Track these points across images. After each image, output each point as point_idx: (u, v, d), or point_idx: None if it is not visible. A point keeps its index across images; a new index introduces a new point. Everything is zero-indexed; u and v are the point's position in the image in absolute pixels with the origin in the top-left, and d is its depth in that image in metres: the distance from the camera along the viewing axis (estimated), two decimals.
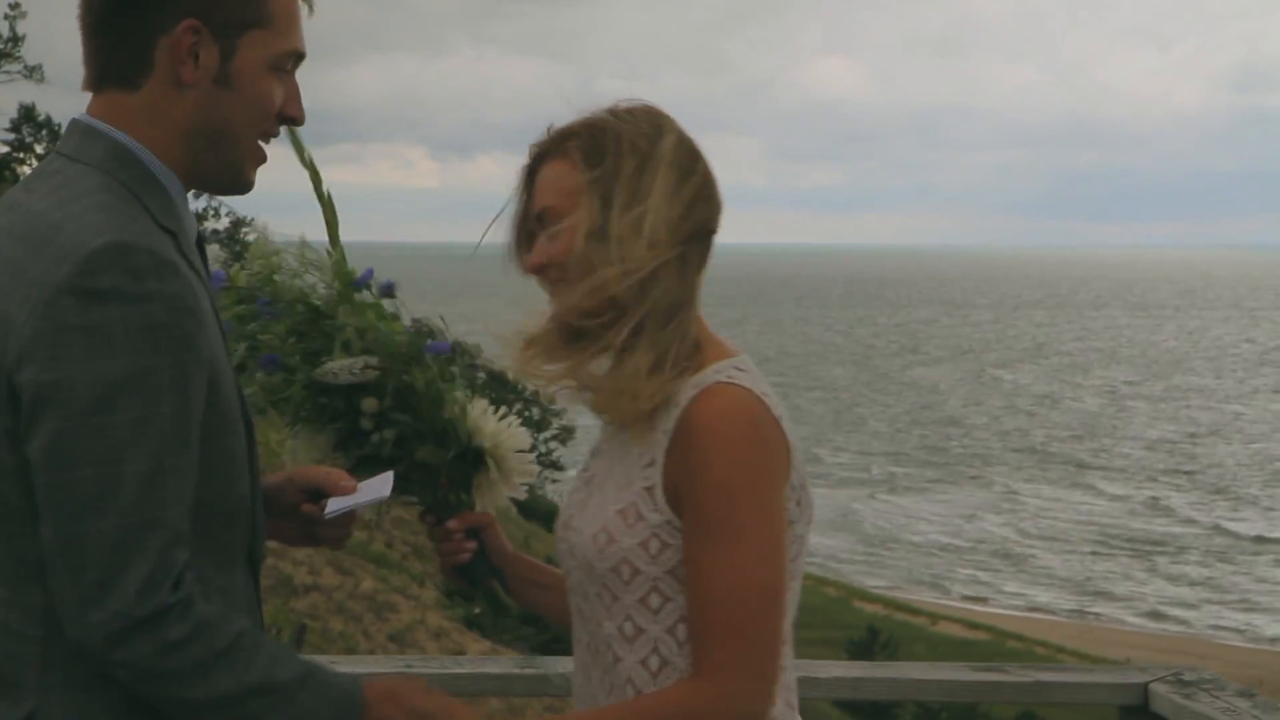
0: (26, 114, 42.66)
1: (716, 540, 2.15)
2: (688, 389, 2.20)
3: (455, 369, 2.53)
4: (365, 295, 2.47)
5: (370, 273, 2.47)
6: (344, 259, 2.49)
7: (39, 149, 42.77)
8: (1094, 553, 43.39)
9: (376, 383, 2.41)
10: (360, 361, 2.39)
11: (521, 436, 2.54)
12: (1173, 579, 40.50)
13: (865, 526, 46.78)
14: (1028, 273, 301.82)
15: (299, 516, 2.45)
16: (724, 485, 2.15)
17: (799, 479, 2.24)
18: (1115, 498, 50.99)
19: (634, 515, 2.22)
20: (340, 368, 2.38)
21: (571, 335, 2.26)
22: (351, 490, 2.41)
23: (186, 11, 2.05)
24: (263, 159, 2.18)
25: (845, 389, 77.67)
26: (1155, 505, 49.74)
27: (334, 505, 2.39)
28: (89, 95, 2.13)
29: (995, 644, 32.24)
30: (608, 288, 2.19)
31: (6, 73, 44.84)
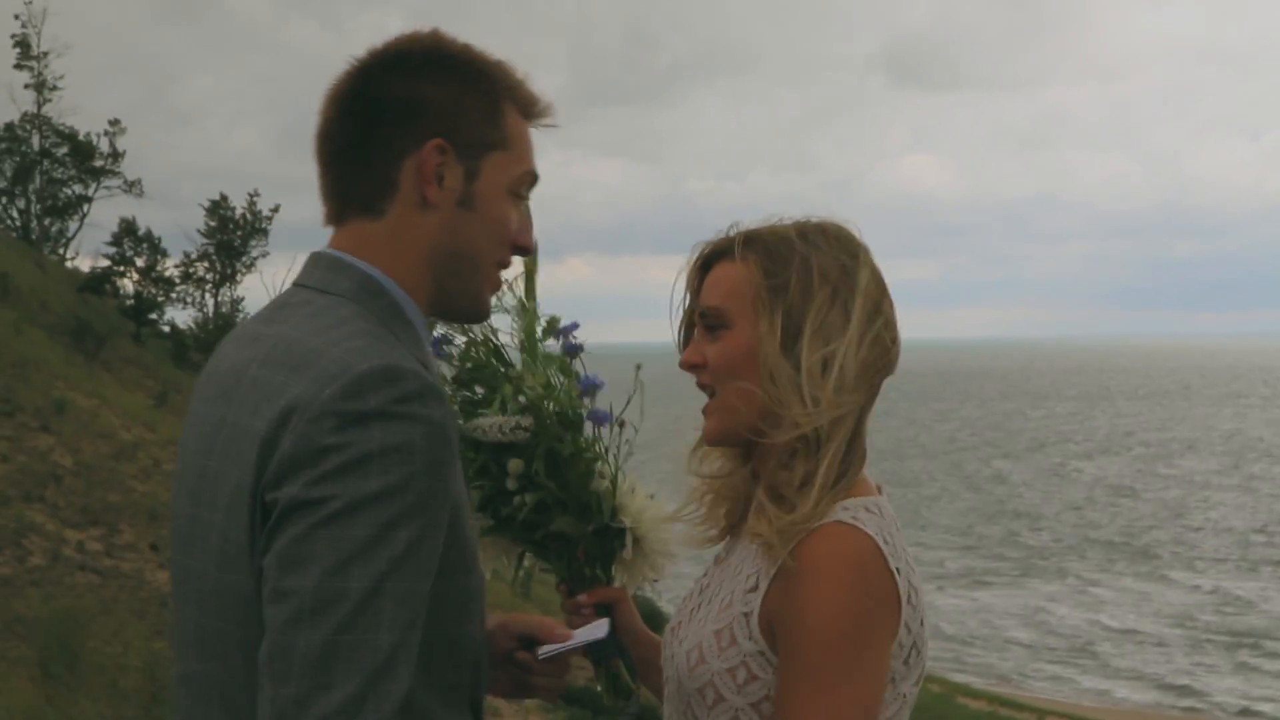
0: (127, 228, 43.30)
1: (810, 687, 2.07)
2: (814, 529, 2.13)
3: (606, 444, 2.46)
4: (552, 346, 2.45)
5: (575, 325, 2.45)
6: (536, 307, 2.45)
7: (139, 262, 43.87)
8: (1172, 645, 42.90)
9: (527, 445, 2.37)
10: (513, 421, 2.35)
11: (663, 519, 2.48)
12: (1266, 673, 39.97)
13: (942, 624, 46.61)
14: (1118, 363, 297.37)
15: (512, 665, 2.40)
16: (823, 631, 2.07)
17: (911, 638, 2.16)
18: (1192, 589, 50.49)
19: (728, 639, 2.17)
20: (491, 425, 2.34)
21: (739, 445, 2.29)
22: (567, 638, 2.36)
23: (434, 132, 2.06)
24: (499, 287, 2.18)
25: (924, 484, 77.77)
26: (1231, 597, 49.14)
27: (546, 650, 2.34)
28: (328, 230, 2.13)
29: None
30: (797, 427, 2.15)
31: (107, 188, 46.46)
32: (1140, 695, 38.32)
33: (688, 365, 2.27)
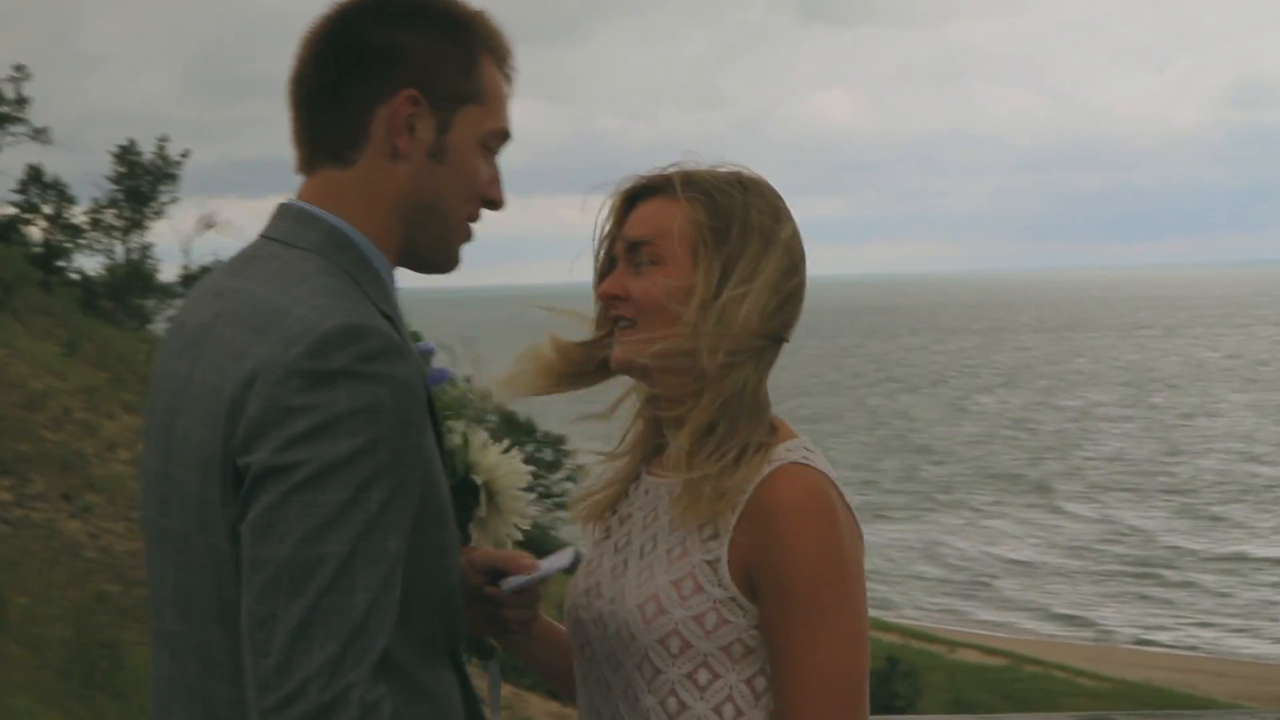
0: (34, 175, 43.10)
1: (812, 627, 2.11)
2: (766, 465, 2.17)
3: (458, 399, 2.44)
4: None
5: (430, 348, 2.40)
6: None
7: (46, 209, 43.53)
8: (1070, 576, 43.16)
9: None
10: None
11: (521, 474, 2.47)
12: (1161, 601, 40.21)
13: None
14: (1025, 296, 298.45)
15: (482, 601, 2.40)
16: (816, 571, 2.11)
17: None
18: (1087, 520, 51.06)
19: (691, 587, 2.17)
20: None
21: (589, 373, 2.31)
22: (533, 569, 2.37)
23: (407, 81, 2.03)
24: (469, 238, 2.15)
25: (828, 420, 78.23)
26: (1128, 527, 49.53)
27: (511, 582, 2.35)
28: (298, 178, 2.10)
29: (1014, 669, 31.51)
30: (697, 357, 2.17)
31: (13, 134, 46.10)
32: (1041, 625, 38.58)
33: (608, 296, 2.28)
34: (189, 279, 44.64)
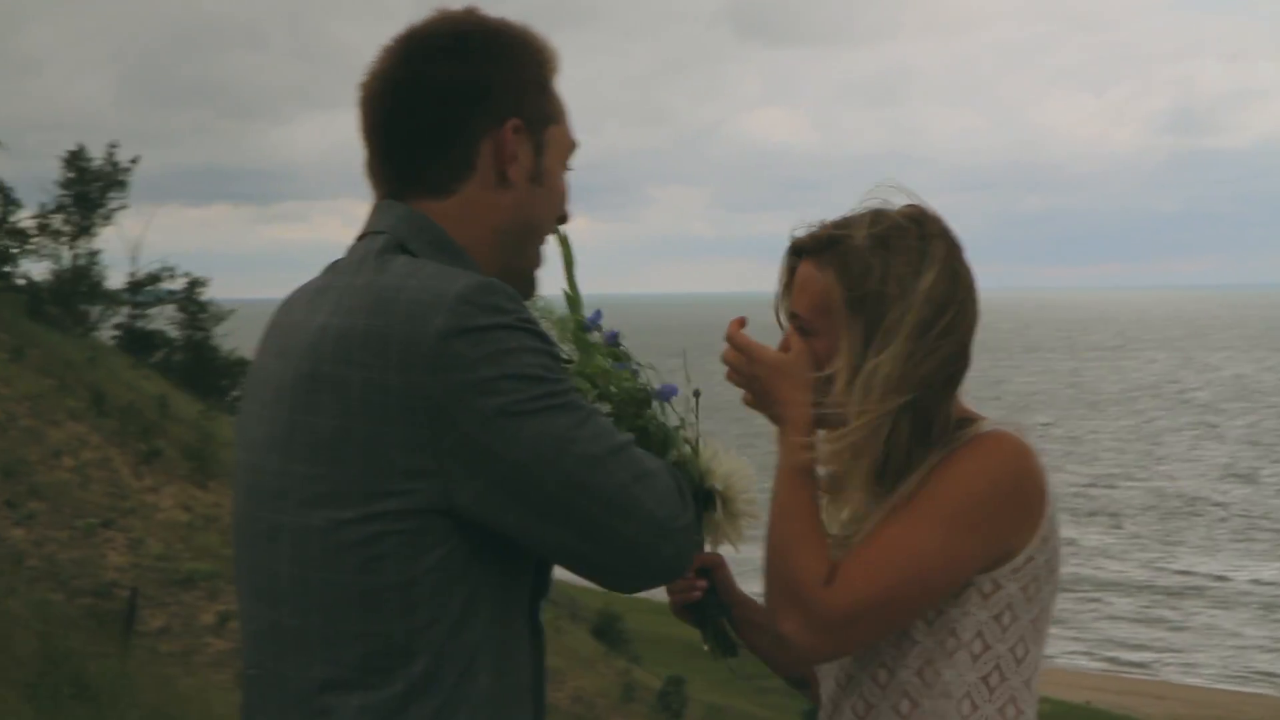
0: None
1: (912, 515, 2.17)
2: (962, 439, 2.23)
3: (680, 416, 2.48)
4: (595, 337, 2.43)
5: (599, 315, 2.43)
6: (579, 301, 2.42)
7: None
8: None
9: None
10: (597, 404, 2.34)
11: (751, 478, 2.50)
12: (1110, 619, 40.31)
13: None
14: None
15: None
16: (957, 482, 2.16)
17: (1054, 538, 2.23)
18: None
19: None
20: None
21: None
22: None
23: (511, 110, 2.08)
24: (543, 261, 2.22)
25: (754, 438, 77.91)
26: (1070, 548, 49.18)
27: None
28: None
29: None
30: (848, 437, 2.23)
31: None
32: None
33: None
34: (136, 286, 44.50)
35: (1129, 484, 62.94)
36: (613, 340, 2.41)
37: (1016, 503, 2.20)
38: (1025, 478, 2.20)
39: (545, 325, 2.29)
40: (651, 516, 1.96)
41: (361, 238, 2.10)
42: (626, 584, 2.05)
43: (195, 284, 45.24)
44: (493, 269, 2.08)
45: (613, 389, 2.37)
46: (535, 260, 2.19)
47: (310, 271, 2.23)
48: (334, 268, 2.10)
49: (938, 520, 2.15)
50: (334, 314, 1.97)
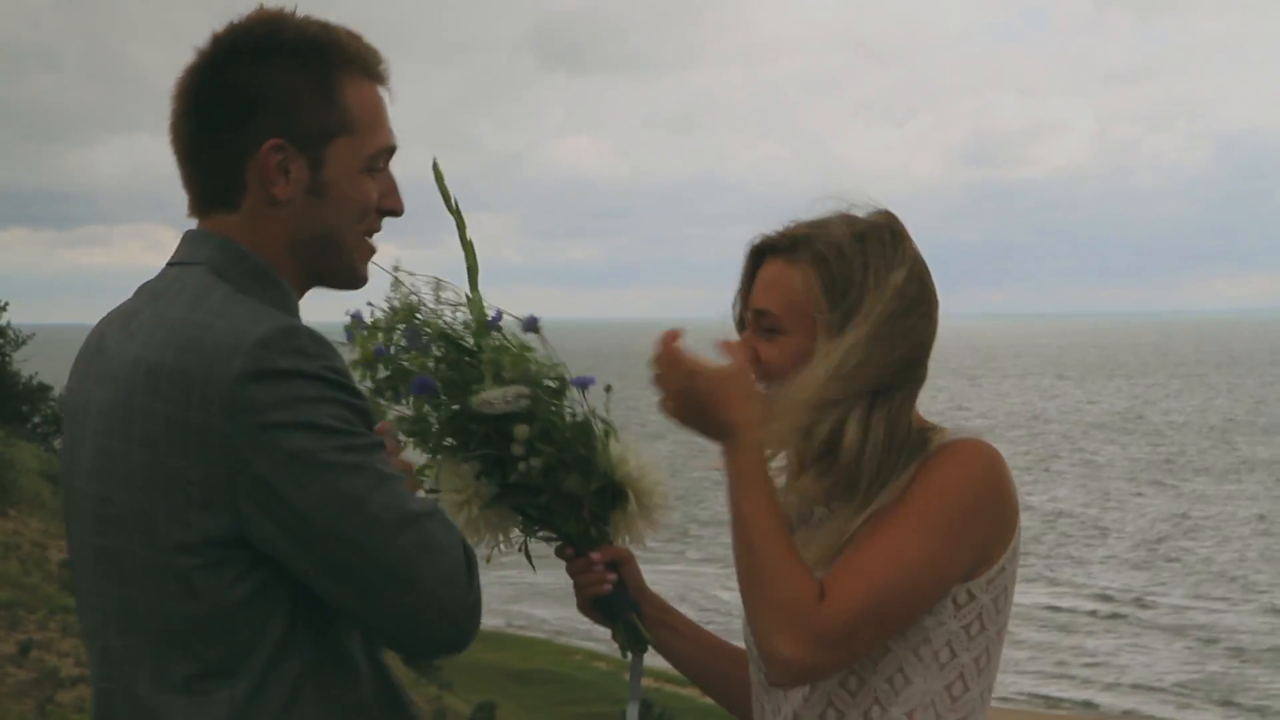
0: None
1: (894, 524, 2.18)
2: (931, 447, 2.25)
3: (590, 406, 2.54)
4: (496, 338, 2.48)
5: (499, 314, 2.50)
6: (481, 302, 2.51)
7: None
8: None
9: (528, 411, 2.43)
10: (514, 390, 2.40)
11: (660, 473, 2.55)
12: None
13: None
14: None
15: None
16: (938, 490, 2.18)
17: (1018, 550, 2.27)
18: None
19: None
20: (496, 397, 2.40)
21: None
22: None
23: (268, 132, 2.03)
24: (372, 252, 2.18)
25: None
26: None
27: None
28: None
29: None
30: (803, 414, 2.23)
31: None
32: None
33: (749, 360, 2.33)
34: None
35: None
36: (531, 324, 2.48)
37: (997, 510, 2.23)
38: (1003, 486, 2.24)
39: (451, 317, 2.47)
40: (432, 593, 1.95)
41: (177, 264, 2.11)
42: (406, 651, 2.10)
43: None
44: (301, 281, 2.13)
45: (532, 367, 2.44)
46: (349, 261, 2.16)
47: (113, 296, 2.24)
48: (149, 291, 2.11)
49: (925, 527, 2.16)
50: (146, 346, 1.98)
